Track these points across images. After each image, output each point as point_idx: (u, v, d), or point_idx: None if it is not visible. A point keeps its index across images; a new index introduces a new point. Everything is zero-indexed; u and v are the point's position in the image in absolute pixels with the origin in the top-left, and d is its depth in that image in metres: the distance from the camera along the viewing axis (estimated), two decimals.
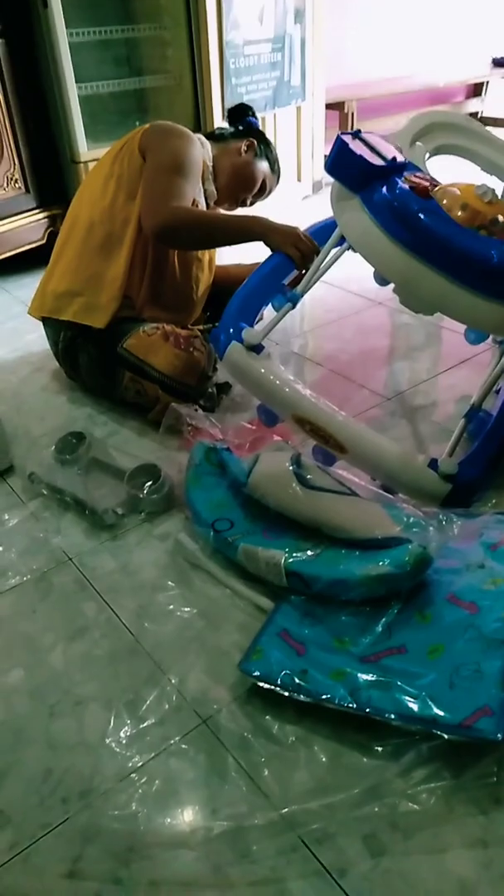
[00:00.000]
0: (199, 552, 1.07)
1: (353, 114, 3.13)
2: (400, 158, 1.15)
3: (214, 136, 1.59)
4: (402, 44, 3.62)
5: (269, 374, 1.19)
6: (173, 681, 0.89)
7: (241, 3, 2.34)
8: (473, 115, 4.04)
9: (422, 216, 1.03)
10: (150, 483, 1.19)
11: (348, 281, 2.02)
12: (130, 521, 1.17)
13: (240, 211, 1.59)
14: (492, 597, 0.91)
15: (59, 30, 1.96)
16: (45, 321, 1.53)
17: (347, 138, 1.12)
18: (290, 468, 1.07)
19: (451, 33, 3.80)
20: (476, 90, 4.02)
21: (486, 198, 1.06)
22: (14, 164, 2.09)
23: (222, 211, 1.62)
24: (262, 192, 1.62)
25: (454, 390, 1.53)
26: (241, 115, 1.65)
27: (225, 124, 1.67)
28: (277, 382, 1.18)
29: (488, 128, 1.50)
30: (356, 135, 1.15)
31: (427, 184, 1.09)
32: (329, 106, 2.97)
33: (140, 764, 0.80)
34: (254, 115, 1.66)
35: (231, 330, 1.23)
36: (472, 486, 1.15)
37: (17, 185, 2.11)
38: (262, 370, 1.19)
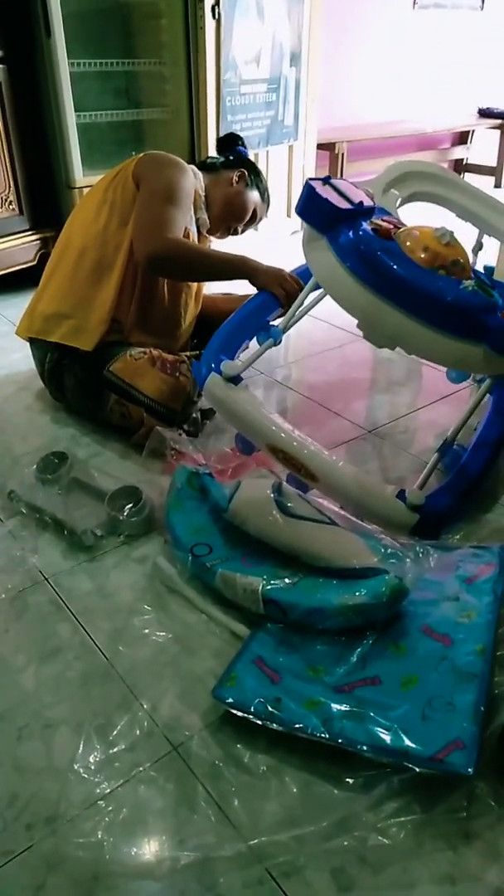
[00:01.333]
0: (176, 576, 1.07)
1: (343, 154, 3.23)
2: (368, 203, 1.20)
3: (207, 167, 1.63)
4: (393, 90, 3.76)
5: (245, 405, 1.22)
6: (145, 706, 0.88)
7: (239, 45, 2.42)
8: (459, 161, 4.18)
9: (382, 256, 1.07)
10: (130, 505, 1.19)
11: (333, 315, 2.06)
12: (109, 543, 1.17)
13: (231, 240, 1.63)
14: (465, 630, 0.92)
15: (60, 59, 2.01)
16: (32, 342, 1.54)
17: (316, 184, 1.18)
18: (272, 496, 1.08)
19: (440, 83, 3.95)
20: (462, 138, 4.17)
21: (444, 240, 1.11)
22: (9, 186, 2.11)
23: (214, 239, 1.65)
24: (253, 220, 1.66)
25: (433, 425, 1.55)
26: (230, 144, 1.69)
27: (216, 154, 1.71)
28: (252, 413, 1.21)
29: (472, 174, 1.57)
30: (326, 181, 1.21)
31: (391, 227, 1.14)
32: (320, 146, 3.07)
33: (108, 791, 0.78)
34: (243, 144, 1.70)
35: (212, 363, 1.26)
36: (440, 517, 1.17)
37: (10, 207, 2.14)
38: (239, 401, 1.22)
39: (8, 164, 2.08)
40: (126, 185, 1.43)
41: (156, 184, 1.41)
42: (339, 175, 3.18)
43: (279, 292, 1.39)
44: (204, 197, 1.56)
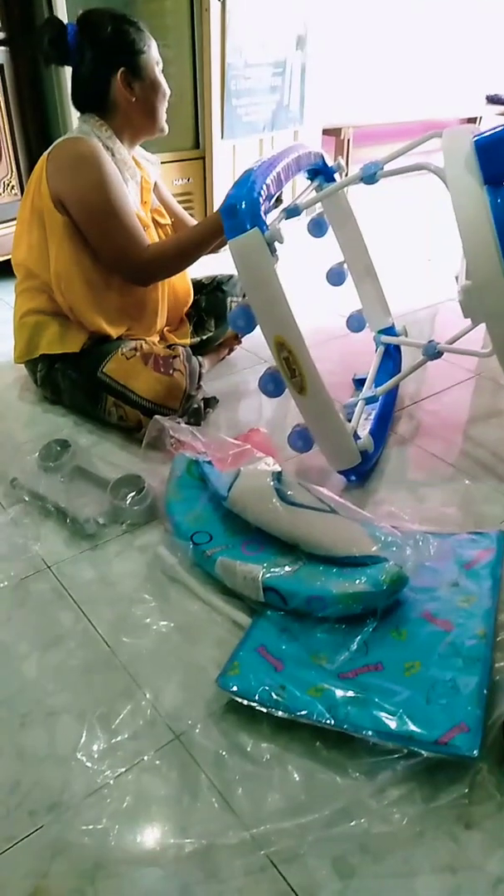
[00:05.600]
0: (177, 565, 1.07)
1: (349, 140, 3.19)
2: None
3: (93, 107, 1.37)
4: (400, 75, 3.70)
5: (276, 282, 1.09)
6: (148, 695, 0.88)
7: (245, 28, 2.38)
8: None
9: None
10: (133, 494, 1.18)
11: (338, 305, 2.05)
12: (111, 532, 1.17)
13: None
14: (466, 615, 0.92)
15: None
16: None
17: None
18: (271, 484, 1.07)
19: (447, 68, 3.90)
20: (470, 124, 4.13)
21: None
22: (12, 170, 2.10)
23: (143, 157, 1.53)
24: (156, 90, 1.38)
25: (436, 415, 1.54)
26: (60, 40, 1.30)
27: (76, 118, 1.43)
28: (280, 294, 1.10)
29: None
30: None
31: None
32: (326, 131, 3.03)
33: (111, 779, 0.79)
34: (60, 28, 1.32)
35: (259, 216, 1.08)
36: (371, 465, 1.32)
37: (13, 192, 2.12)
38: (273, 273, 1.09)
39: (10, 148, 2.06)
40: (52, 216, 1.35)
41: (86, 202, 1.31)
42: (346, 160, 3.14)
43: None
44: (116, 138, 1.37)
